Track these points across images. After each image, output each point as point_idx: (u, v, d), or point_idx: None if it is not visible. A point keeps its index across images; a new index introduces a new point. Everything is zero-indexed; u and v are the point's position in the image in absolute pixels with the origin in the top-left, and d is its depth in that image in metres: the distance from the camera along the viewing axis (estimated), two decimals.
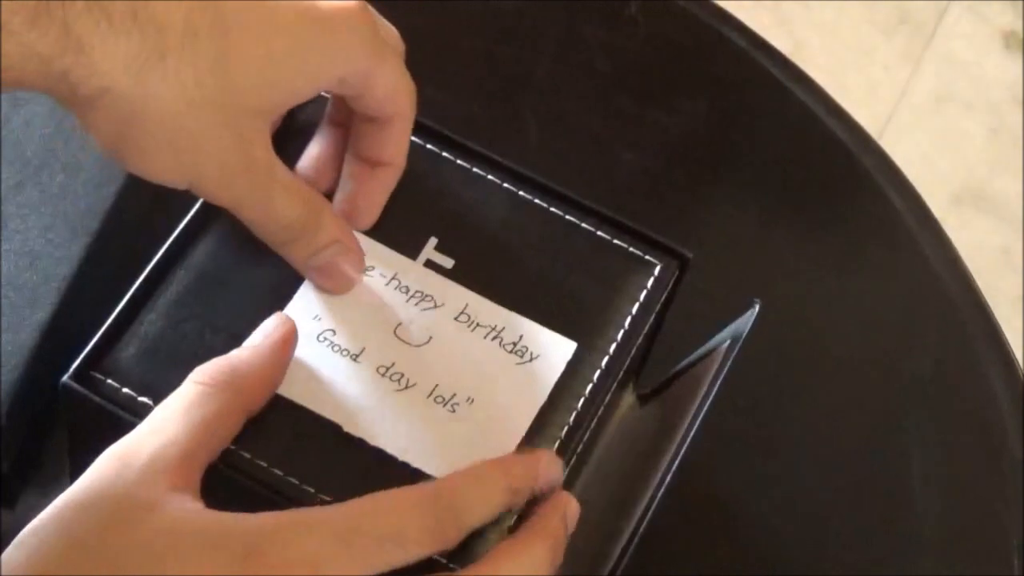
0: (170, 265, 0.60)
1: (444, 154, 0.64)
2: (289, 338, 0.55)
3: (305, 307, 0.56)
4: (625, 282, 0.62)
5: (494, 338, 0.56)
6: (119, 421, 0.56)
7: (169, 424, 0.52)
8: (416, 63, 0.89)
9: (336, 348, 0.55)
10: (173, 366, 0.57)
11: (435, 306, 0.56)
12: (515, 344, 0.56)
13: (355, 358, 0.55)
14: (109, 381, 0.57)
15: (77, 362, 0.57)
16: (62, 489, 0.48)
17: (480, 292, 0.60)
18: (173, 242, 0.60)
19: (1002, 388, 0.80)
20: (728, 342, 0.62)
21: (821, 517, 0.76)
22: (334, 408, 0.54)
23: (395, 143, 0.60)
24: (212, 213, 0.61)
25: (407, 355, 0.55)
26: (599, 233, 0.63)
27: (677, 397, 0.65)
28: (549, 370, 0.56)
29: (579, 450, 0.59)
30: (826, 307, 0.83)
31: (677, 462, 0.57)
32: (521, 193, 0.64)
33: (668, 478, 0.57)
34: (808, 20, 1.87)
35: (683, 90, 0.90)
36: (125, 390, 0.56)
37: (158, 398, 0.56)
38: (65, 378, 0.56)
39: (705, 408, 0.58)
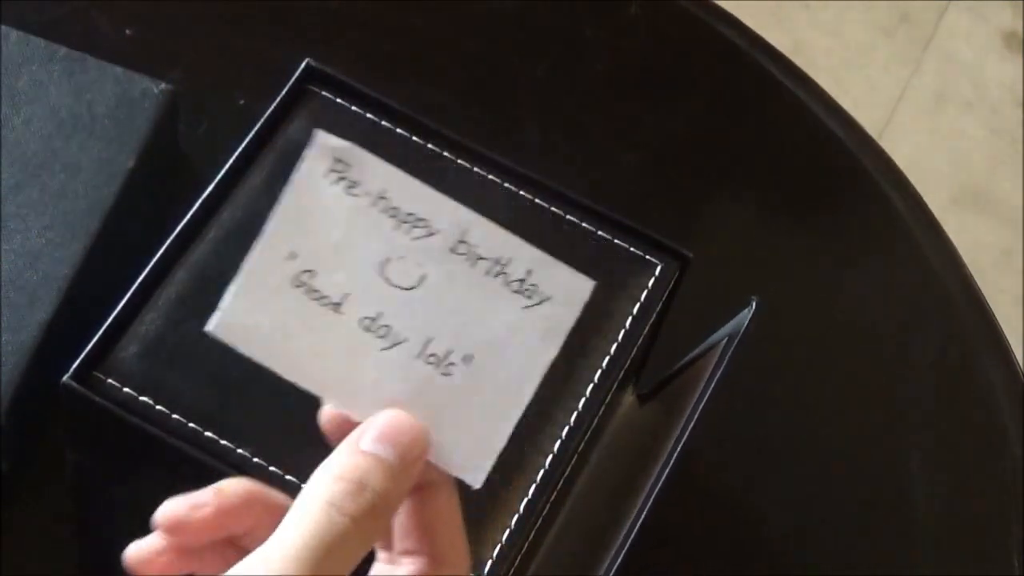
0: (170, 265, 0.60)
1: (444, 154, 0.64)
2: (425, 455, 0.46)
3: (278, 241, 0.46)
4: (626, 282, 0.62)
5: (497, 274, 0.48)
6: (119, 421, 0.56)
7: None
8: (416, 63, 0.89)
9: (315, 296, 0.47)
10: (173, 366, 0.57)
11: (429, 234, 0.48)
12: (522, 282, 0.48)
13: (337, 308, 0.47)
14: (109, 381, 0.57)
15: (77, 362, 0.56)
16: (62, 489, 0.48)
17: None
18: (173, 242, 0.60)
19: (1002, 388, 0.80)
20: (725, 339, 0.62)
21: (821, 516, 0.76)
22: (311, 375, 0.46)
23: None
24: (212, 213, 0.61)
25: (395, 301, 0.47)
26: (600, 233, 0.63)
27: (676, 396, 0.65)
28: (561, 317, 0.47)
29: (579, 450, 0.59)
30: (826, 307, 0.83)
31: (675, 458, 0.57)
32: (521, 193, 0.64)
33: (666, 474, 0.57)
34: (808, 20, 1.87)
35: (683, 90, 0.90)
36: (126, 390, 0.56)
37: (158, 398, 0.56)
38: (65, 378, 0.56)
39: (702, 405, 0.58)
